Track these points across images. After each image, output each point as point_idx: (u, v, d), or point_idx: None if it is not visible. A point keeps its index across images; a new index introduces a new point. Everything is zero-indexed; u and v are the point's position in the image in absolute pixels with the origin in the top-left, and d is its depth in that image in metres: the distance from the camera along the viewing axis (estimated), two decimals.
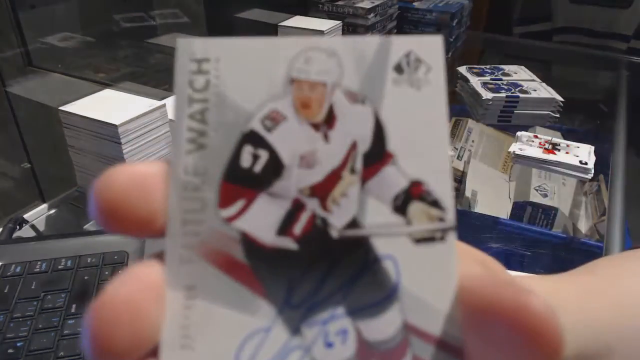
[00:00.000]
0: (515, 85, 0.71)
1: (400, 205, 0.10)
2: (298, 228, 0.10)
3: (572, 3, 1.05)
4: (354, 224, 0.10)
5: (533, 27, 1.12)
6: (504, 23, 1.16)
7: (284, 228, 0.10)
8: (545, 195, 0.55)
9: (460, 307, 0.09)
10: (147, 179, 0.10)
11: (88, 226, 0.45)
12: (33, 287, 0.34)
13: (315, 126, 0.10)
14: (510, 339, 0.08)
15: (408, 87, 0.10)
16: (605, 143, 0.63)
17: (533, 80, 0.73)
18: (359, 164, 0.10)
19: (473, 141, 0.68)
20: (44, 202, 0.48)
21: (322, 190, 0.10)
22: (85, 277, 0.35)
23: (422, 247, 0.10)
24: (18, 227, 0.44)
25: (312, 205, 0.10)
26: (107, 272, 0.35)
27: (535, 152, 0.55)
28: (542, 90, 0.70)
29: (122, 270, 0.35)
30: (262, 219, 0.10)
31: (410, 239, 0.10)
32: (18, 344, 0.30)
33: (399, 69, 0.10)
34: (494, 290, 0.09)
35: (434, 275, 0.10)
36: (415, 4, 0.94)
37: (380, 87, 0.10)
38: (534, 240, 0.50)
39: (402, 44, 0.10)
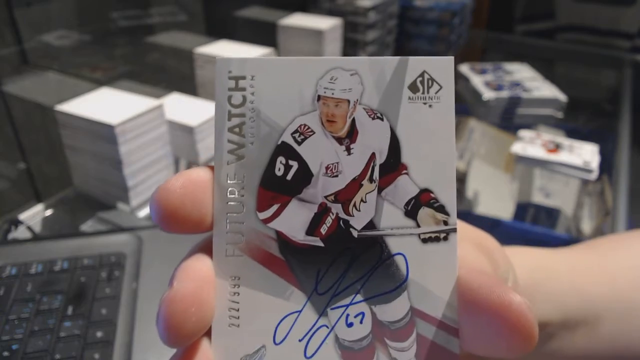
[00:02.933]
0: (518, 84, 0.71)
1: (411, 210, 0.12)
2: (324, 229, 0.12)
3: (575, 1, 1.04)
4: (371, 225, 0.12)
5: (536, 25, 1.11)
6: (506, 21, 1.15)
7: (312, 228, 0.12)
8: (548, 196, 0.55)
9: (458, 296, 0.11)
10: (198, 185, 0.11)
11: (84, 227, 0.45)
12: (29, 288, 0.33)
13: (339, 139, 0.12)
14: (495, 327, 0.11)
15: (421, 104, 0.11)
16: (609, 143, 0.63)
17: (536, 79, 0.73)
18: (376, 174, 0.12)
19: (475, 141, 0.68)
20: (40, 202, 0.48)
21: (345, 196, 0.12)
22: (82, 279, 0.34)
23: (428, 246, 0.12)
24: (13, 228, 0.44)
25: (336, 209, 0.12)
26: (103, 274, 0.35)
27: (538, 151, 0.55)
28: (544, 89, 0.69)
29: (119, 271, 0.35)
30: (293, 220, 0.12)
31: (419, 239, 0.12)
32: (13, 347, 0.30)
33: (413, 87, 0.11)
34: (486, 288, 0.11)
35: (437, 269, 0.11)
36: (417, 2, 0.93)
37: (397, 104, 0.12)
38: (537, 242, 0.50)
39: (417, 64, 0.11)
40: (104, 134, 0.43)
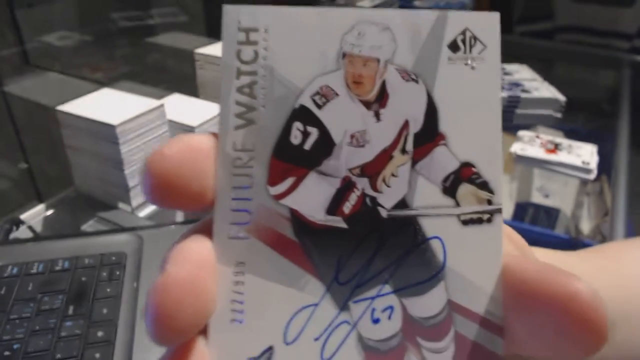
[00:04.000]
0: (517, 84, 0.71)
1: (450, 187, 0.10)
2: (347, 207, 0.10)
3: (574, 2, 1.05)
4: (403, 204, 0.10)
5: (535, 25, 1.12)
6: (505, 22, 1.15)
7: (334, 207, 0.10)
8: (547, 196, 0.55)
9: (504, 288, 0.10)
10: (199, 153, 0.09)
11: (85, 227, 0.45)
12: (30, 288, 0.33)
13: (367, 104, 0.10)
14: (556, 324, 0.09)
15: (463, 65, 0.10)
16: (608, 143, 0.63)
17: (535, 80, 0.73)
18: (410, 144, 0.10)
19: None
20: (41, 202, 0.48)
21: (372, 169, 0.10)
22: (83, 279, 0.34)
23: (469, 229, 0.10)
24: (15, 227, 0.44)
25: (362, 184, 0.10)
26: (104, 274, 0.35)
27: (537, 152, 0.55)
28: (543, 90, 0.69)
29: (119, 269, 0.35)
30: (311, 197, 0.10)
31: (458, 221, 0.10)
32: (15, 346, 0.30)
33: (454, 46, 0.10)
34: (541, 275, 0.09)
35: (480, 256, 0.10)
36: (417, 2, 0.93)
37: (435, 65, 0.10)
38: (536, 242, 0.49)
39: (458, 21, 0.10)
40: (105, 134, 0.43)
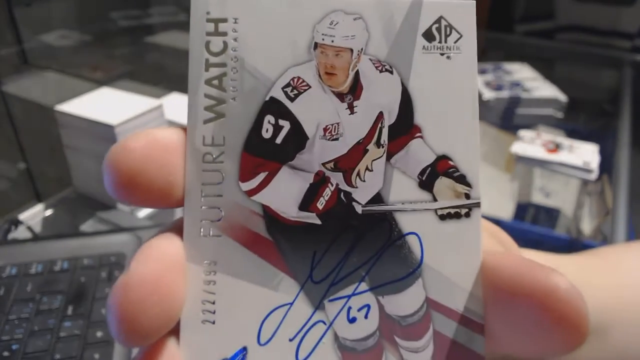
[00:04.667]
0: (518, 84, 0.71)
1: (426, 181, 0.10)
2: (321, 203, 0.10)
3: (575, 1, 1.04)
4: (378, 199, 0.10)
5: (535, 25, 1.11)
6: (506, 21, 1.15)
7: (307, 203, 0.10)
8: (548, 196, 0.55)
9: (483, 284, 0.09)
10: (166, 147, 0.09)
11: (84, 227, 0.45)
12: (29, 288, 0.33)
13: (340, 95, 0.10)
14: (536, 320, 0.08)
15: (438, 55, 0.10)
16: (609, 142, 0.63)
17: (535, 79, 0.73)
18: (385, 137, 0.10)
19: None
20: (39, 202, 0.48)
21: (347, 164, 0.10)
22: (82, 279, 0.34)
23: (447, 224, 0.10)
24: (13, 228, 0.44)
25: (336, 179, 0.10)
26: (103, 274, 0.35)
27: (538, 151, 0.55)
28: (544, 89, 0.69)
29: (118, 269, 0.35)
30: (284, 193, 0.10)
31: (435, 216, 0.10)
32: (14, 347, 0.30)
33: (429, 35, 0.10)
34: (519, 270, 0.09)
35: (458, 252, 0.10)
36: None
37: (409, 55, 0.10)
38: (537, 242, 0.50)
39: (432, 9, 0.10)
40: (104, 134, 0.43)
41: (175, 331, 0.09)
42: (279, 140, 0.10)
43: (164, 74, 0.69)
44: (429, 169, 0.10)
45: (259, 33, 0.10)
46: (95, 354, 0.29)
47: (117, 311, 0.08)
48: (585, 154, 0.54)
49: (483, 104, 0.68)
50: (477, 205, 0.10)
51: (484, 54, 1.08)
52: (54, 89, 0.54)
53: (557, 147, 0.55)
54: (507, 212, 0.57)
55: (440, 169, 0.10)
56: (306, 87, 0.10)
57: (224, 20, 0.10)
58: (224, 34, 0.09)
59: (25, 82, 0.52)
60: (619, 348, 0.17)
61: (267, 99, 0.10)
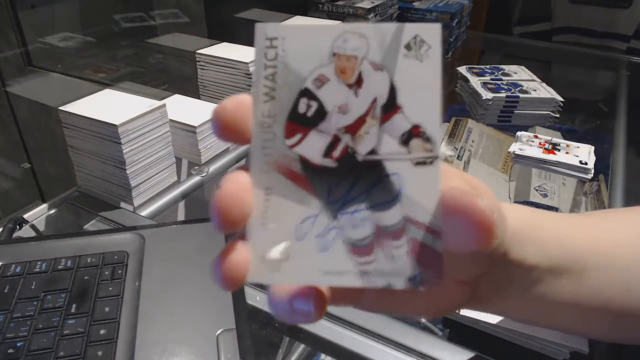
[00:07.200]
0: (515, 85, 0.71)
1: (405, 140, 0.15)
2: (336, 153, 0.15)
3: (572, 3, 1.05)
4: (373, 152, 0.15)
5: (533, 27, 1.12)
6: (504, 23, 1.16)
7: (327, 153, 0.15)
8: (545, 196, 0.55)
9: (441, 206, 0.14)
10: (246, 107, 0.15)
11: (88, 226, 0.45)
12: (33, 287, 0.34)
13: (349, 86, 0.15)
14: (464, 224, 0.14)
15: (414, 60, 0.15)
16: (605, 143, 0.63)
17: (533, 80, 0.73)
18: (378, 112, 0.15)
19: (473, 141, 0.68)
20: (44, 202, 0.48)
21: (352, 129, 0.15)
22: (85, 277, 0.35)
23: (418, 168, 0.15)
24: (18, 227, 0.44)
25: (346, 139, 0.15)
26: (107, 272, 0.35)
27: (535, 152, 0.55)
28: (542, 90, 0.70)
29: (121, 267, 0.35)
30: (312, 146, 0.15)
31: (411, 163, 0.15)
32: (18, 344, 0.30)
33: (408, 47, 0.15)
34: (459, 197, 0.14)
35: (425, 186, 0.15)
36: (415, 3, 0.94)
37: (395, 60, 0.15)
38: None
39: (411, 30, 0.15)
40: (107, 133, 0.43)
41: (243, 237, 0.15)
42: (309, 114, 0.15)
43: (166, 75, 0.70)
44: (407, 133, 0.15)
45: (298, 46, 0.15)
46: (99, 351, 0.30)
47: (216, 209, 0.14)
48: (581, 154, 0.55)
49: (481, 104, 0.68)
50: (437, 157, 0.15)
51: (482, 55, 1.09)
52: (58, 90, 0.54)
53: (554, 148, 0.56)
54: None
55: (414, 133, 0.15)
56: (327, 80, 0.15)
57: (276, 38, 0.15)
58: (276, 47, 0.15)
59: (30, 84, 0.53)
60: (594, 288, 0.21)
61: (302, 88, 0.15)
